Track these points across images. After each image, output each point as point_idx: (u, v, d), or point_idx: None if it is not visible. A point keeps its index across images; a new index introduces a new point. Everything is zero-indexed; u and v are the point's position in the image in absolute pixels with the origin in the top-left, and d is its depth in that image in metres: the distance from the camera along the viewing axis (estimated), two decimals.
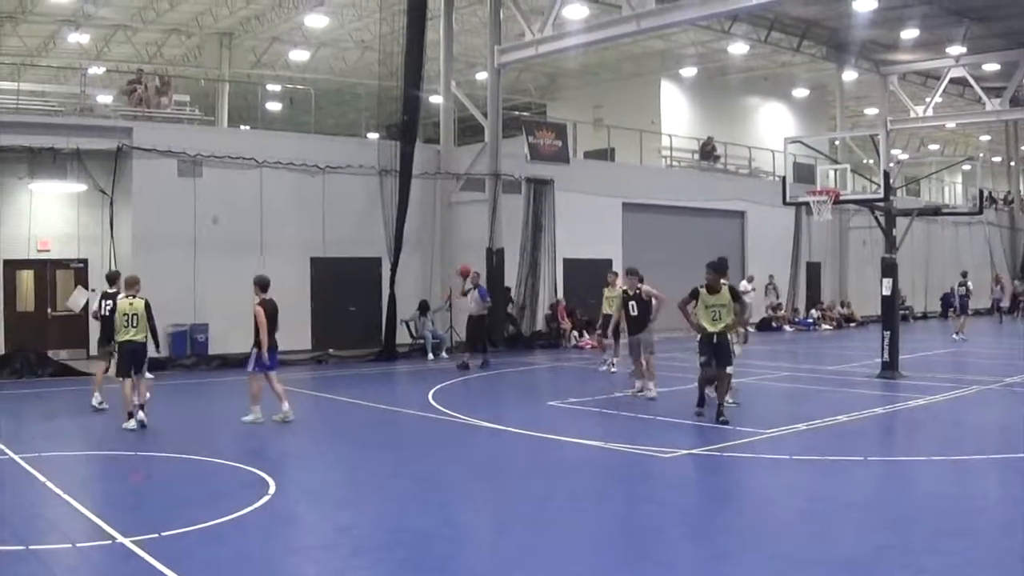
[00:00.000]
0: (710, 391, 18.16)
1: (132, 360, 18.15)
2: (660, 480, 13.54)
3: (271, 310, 18.48)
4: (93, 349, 24.22)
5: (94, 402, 19.98)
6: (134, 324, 18.09)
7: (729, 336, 18.12)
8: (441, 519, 11.44)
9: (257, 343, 18.31)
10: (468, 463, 15.31)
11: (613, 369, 26.21)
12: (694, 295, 17.78)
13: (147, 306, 18.26)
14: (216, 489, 13.02)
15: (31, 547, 9.98)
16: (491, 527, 11.53)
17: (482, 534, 11.21)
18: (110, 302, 19.61)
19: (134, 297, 18.21)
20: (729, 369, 17.81)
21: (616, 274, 27.79)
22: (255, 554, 10.01)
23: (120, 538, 10.20)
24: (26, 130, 27.37)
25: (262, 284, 18.64)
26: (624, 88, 50.03)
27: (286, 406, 18.52)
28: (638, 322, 21.18)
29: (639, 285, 21.22)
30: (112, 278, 20.33)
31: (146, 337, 18.33)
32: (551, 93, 56.12)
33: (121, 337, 18.14)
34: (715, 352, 17.67)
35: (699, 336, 17.85)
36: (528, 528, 11.03)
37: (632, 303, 21.19)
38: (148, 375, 19.21)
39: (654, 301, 21.18)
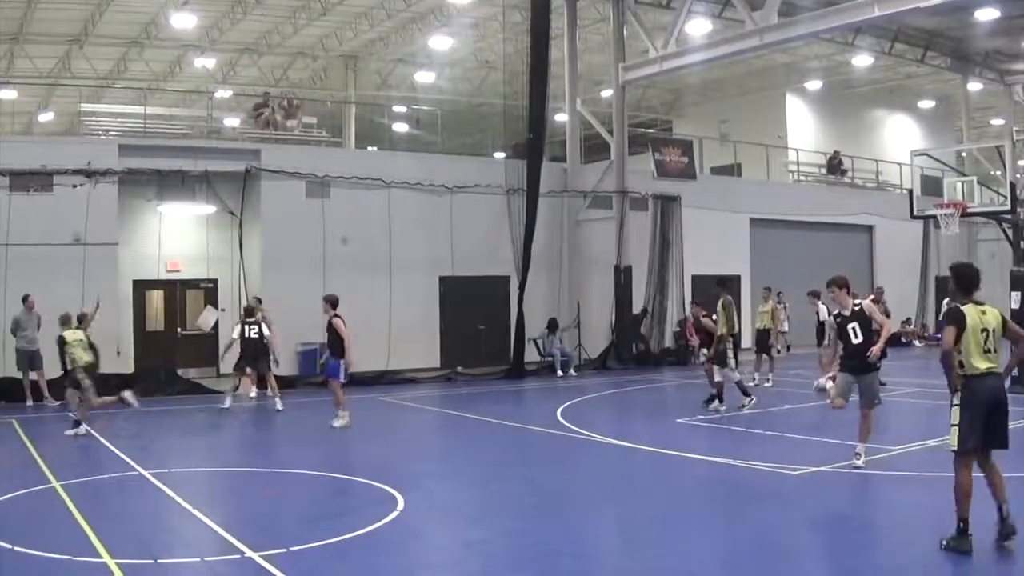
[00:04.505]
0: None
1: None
2: (788, 498, 13.17)
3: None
4: (224, 367, 25.12)
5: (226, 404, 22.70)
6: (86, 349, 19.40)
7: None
8: (569, 536, 11.31)
9: (342, 354, 19.73)
10: (596, 480, 15.06)
11: (768, 383, 25.99)
12: (958, 320, 10.00)
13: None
14: (345, 505, 13.02)
15: (160, 561, 9.99)
16: (619, 544, 11.30)
17: (610, 551, 10.97)
18: (256, 327, 23.02)
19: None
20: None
21: (769, 289, 27.58)
22: (384, 569, 9.89)
23: (248, 552, 10.16)
24: (154, 153, 27.91)
25: (334, 302, 20.11)
26: (749, 103, 49.45)
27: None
28: (865, 355, 14.50)
29: (857, 301, 15.16)
30: (250, 310, 23.79)
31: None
32: (676, 109, 55.77)
33: (85, 360, 19.21)
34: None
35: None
36: (655, 545, 10.83)
37: (854, 326, 14.72)
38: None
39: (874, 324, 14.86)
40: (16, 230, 25.32)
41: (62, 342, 19.30)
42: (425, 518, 12.21)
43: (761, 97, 49.32)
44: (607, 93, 38.32)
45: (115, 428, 19.94)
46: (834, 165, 45.26)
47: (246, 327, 23.14)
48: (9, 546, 10.37)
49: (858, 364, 14.48)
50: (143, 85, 40.71)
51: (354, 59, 45.70)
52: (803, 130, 48.39)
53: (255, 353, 23.26)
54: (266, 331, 23.44)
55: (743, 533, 11.37)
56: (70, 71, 41.94)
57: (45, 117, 46.74)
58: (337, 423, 19.64)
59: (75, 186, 26.09)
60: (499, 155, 37.76)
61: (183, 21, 36.40)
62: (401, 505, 12.42)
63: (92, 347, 19.29)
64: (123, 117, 33.00)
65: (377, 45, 43.99)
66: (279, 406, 22.54)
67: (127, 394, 19.37)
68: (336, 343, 19.76)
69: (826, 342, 22.04)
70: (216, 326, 26.91)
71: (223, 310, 25.43)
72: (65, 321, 19.73)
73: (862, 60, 43.73)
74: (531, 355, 31.72)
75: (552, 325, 32.08)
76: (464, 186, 31.72)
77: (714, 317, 21.52)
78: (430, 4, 38.73)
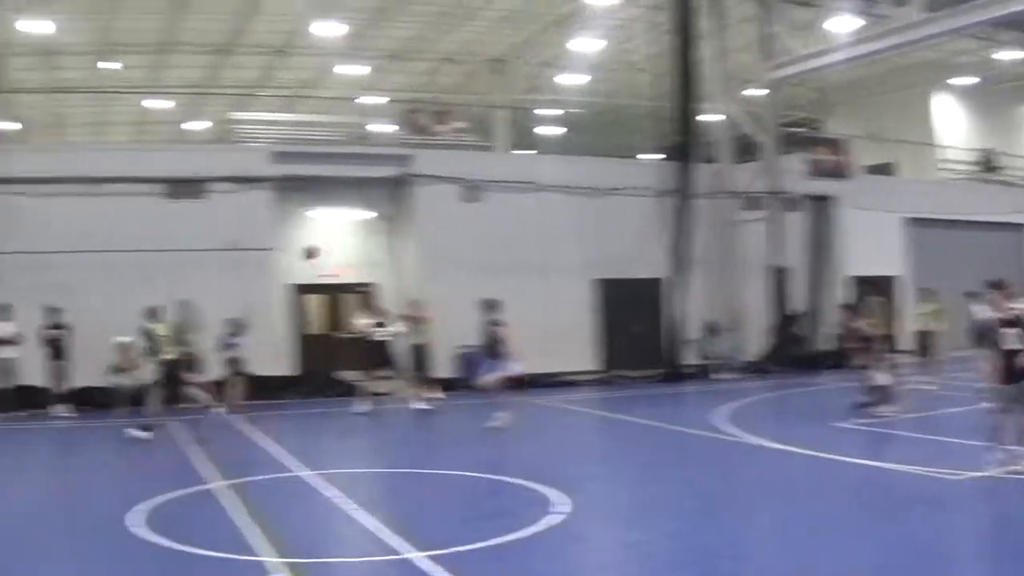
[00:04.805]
0: None
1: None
2: (948, 503, 12.78)
3: None
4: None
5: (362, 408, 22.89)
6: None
7: None
8: (729, 538, 11.26)
9: (499, 356, 20.18)
10: (754, 483, 14.93)
11: (930, 386, 25.12)
12: None
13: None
14: (504, 506, 13.02)
15: (322, 560, 10.13)
16: (777, 548, 11.08)
17: (768, 554, 10.79)
18: (382, 329, 23.32)
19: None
20: None
21: (929, 291, 27.02)
22: (543, 570, 9.90)
23: (408, 552, 10.19)
24: (306, 160, 28.43)
25: (494, 305, 20.76)
26: (898, 100, 48.16)
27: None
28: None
29: (1017, 306, 14.52)
30: (379, 311, 24.26)
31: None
32: (825, 108, 54.93)
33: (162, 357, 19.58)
34: None
35: None
36: (813, 549, 10.64)
37: (1012, 331, 14.23)
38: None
39: None
40: (172, 237, 25.97)
41: (149, 335, 19.76)
42: (585, 520, 12.09)
43: (909, 94, 48.20)
44: (756, 93, 37.85)
45: (277, 430, 20.28)
46: (987, 163, 44.16)
47: (374, 329, 23.25)
48: (174, 544, 10.61)
49: (1015, 370, 13.93)
50: (290, 92, 41.24)
51: (501, 63, 45.76)
52: (953, 127, 47.26)
53: (383, 357, 23.30)
54: (398, 329, 23.44)
55: (900, 538, 11.04)
56: (217, 80, 42.77)
57: (196, 125, 47.58)
58: (493, 424, 19.60)
59: (228, 192, 26.66)
60: (647, 157, 37.46)
61: (328, 29, 36.56)
62: (560, 507, 12.35)
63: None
64: (272, 124, 33.51)
65: (523, 48, 44.03)
66: (426, 406, 22.72)
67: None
68: (494, 346, 19.86)
69: (984, 345, 21.40)
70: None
71: (388, 311, 25.70)
72: (150, 315, 20.05)
73: (1009, 55, 42.60)
74: (688, 358, 31.52)
75: (710, 327, 31.87)
76: (614, 188, 31.53)
77: (865, 320, 21.21)
78: (574, 6, 38.63)
